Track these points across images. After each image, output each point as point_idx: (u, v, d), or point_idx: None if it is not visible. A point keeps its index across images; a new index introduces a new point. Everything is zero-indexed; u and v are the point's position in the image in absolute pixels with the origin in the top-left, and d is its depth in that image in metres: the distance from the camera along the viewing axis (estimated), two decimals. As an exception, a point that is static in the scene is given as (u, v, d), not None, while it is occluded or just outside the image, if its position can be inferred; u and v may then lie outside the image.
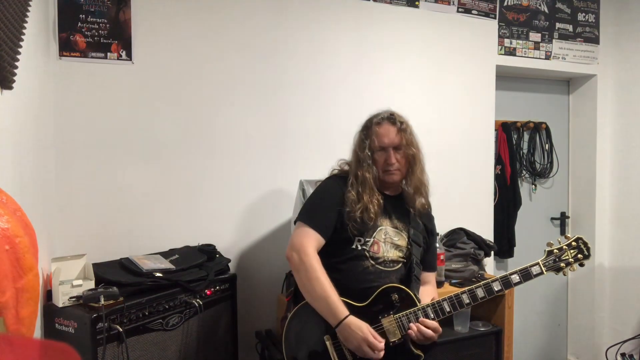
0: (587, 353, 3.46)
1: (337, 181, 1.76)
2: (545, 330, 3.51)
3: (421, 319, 1.56)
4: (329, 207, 1.69)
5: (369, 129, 1.75)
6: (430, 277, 1.85)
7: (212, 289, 1.97)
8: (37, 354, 0.66)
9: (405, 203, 1.78)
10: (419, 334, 1.54)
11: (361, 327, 1.51)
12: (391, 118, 1.73)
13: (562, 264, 1.63)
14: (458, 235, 2.71)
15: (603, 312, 3.43)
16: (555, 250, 1.64)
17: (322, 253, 1.66)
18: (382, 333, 1.55)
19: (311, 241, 1.63)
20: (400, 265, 1.70)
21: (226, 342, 2.08)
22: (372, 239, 1.67)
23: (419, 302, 1.60)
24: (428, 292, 1.78)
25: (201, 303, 1.88)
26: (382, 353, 1.50)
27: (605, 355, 3.22)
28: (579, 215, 3.51)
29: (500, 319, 2.48)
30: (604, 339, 3.38)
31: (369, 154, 1.71)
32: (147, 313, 1.72)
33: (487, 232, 2.97)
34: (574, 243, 1.66)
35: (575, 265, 1.64)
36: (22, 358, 0.64)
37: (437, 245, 2.48)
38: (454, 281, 2.48)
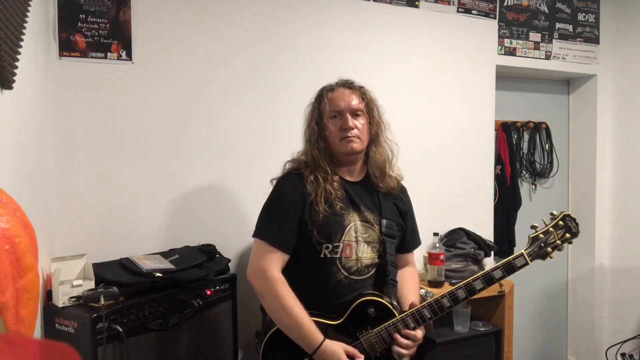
0: (587, 353, 3.46)
1: (293, 181, 1.57)
2: (545, 330, 3.51)
3: (395, 335, 1.48)
4: (287, 216, 1.52)
5: (321, 98, 1.58)
6: (408, 258, 1.75)
7: (212, 289, 1.97)
8: (37, 354, 0.66)
9: (373, 184, 1.63)
10: (398, 348, 1.48)
11: (338, 353, 1.43)
12: (346, 83, 1.58)
13: (549, 249, 1.49)
14: (458, 235, 2.71)
15: (603, 312, 3.43)
16: (540, 235, 1.50)
17: (289, 267, 1.54)
18: (363, 350, 1.49)
19: (273, 262, 1.49)
20: (374, 270, 1.58)
21: (226, 342, 2.08)
22: (341, 243, 1.52)
23: (397, 312, 1.52)
24: (408, 276, 1.70)
25: (201, 303, 1.87)
26: None
27: (605, 355, 3.22)
28: (579, 215, 3.46)
29: (500, 319, 2.48)
30: (604, 339, 3.38)
31: (315, 128, 1.55)
32: (147, 313, 1.72)
33: (487, 232, 2.97)
34: (560, 222, 1.50)
35: (563, 246, 1.51)
36: (22, 358, 0.64)
37: (437, 245, 2.49)
38: (454, 281, 2.48)
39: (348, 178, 1.63)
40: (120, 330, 1.60)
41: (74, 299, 1.64)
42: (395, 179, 1.69)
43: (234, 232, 2.37)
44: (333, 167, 1.59)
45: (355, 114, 1.56)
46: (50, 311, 1.64)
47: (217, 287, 2.00)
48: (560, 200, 3.55)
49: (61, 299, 1.63)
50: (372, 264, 1.58)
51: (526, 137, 3.40)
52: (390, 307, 1.53)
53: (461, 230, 2.76)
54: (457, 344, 2.33)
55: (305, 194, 1.54)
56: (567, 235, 1.50)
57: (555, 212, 1.53)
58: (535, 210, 3.43)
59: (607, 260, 3.41)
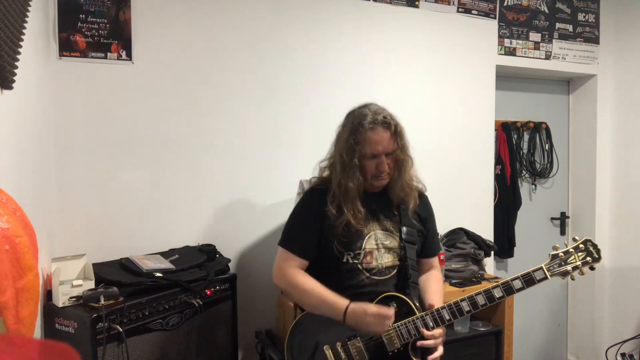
0: (587, 353, 3.46)
1: (316, 197, 1.68)
2: (545, 330, 3.51)
3: (422, 330, 1.53)
4: (308, 228, 1.65)
5: (359, 132, 1.62)
6: (433, 262, 1.82)
7: (212, 289, 1.97)
8: (37, 354, 0.66)
9: (394, 198, 1.70)
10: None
11: (363, 306, 1.50)
12: (385, 122, 1.62)
13: (569, 268, 1.55)
14: (458, 235, 2.71)
15: (603, 312, 3.43)
16: (560, 254, 1.56)
17: (315, 268, 1.65)
18: (381, 343, 1.53)
19: (291, 264, 1.63)
20: (395, 270, 1.65)
21: (226, 342, 2.08)
22: (362, 251, 1.61)
23: (418, 310, 1.57)
24: (432, 279, 1.75)
25: (201, 303, 1.87)
26: (392, 319, 1.49)
27: (605, 355, 3.22)
28: (579, 215, 3.51)
29: (500, 319, 2.48)
30: (604, 339, 3.38)
31: (357, 162, 1.60)
32: (147, 313, 1.72)
33: (487, 232, 2.97)
34: (581, 246, 1.57)
35: (585, 269, 1.56)
36: (22, 358, 0.64)
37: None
38: (453, 281, 2.48)
39: (370, 191, 1.70)
40: (120, 330, 1.60)
41: (74, 299, 1.64)
42: (417, 204, 1.73)
43: (234, 232, 2.37)
44: (361, 190, 1.66)
45: (388, 153, 1.64)
46: (50, 311, 1.64)
47: (217, 287, 2.00)
48: (560, 200, 3.55)
49: (61, 299, 1.63)
50: (393, 266, 1.65)
51: (526, 137, 3.40)
52: (412, 304, 1.58)
53: (461, 230, 2.75)
54: (457, 344, 2.33)
55: (325, 214, 1.62)
56: (589, 259, 1.56)
57: (577, 237, 1.60)
58: (535, 210, 3.43)
59: (607, 260, 3.41)
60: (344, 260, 1.61)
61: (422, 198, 1.79)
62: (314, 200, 1.67)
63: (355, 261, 1.61)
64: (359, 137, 1.61)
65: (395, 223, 1.68)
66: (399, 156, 1.65)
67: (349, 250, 1.61)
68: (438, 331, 1.55)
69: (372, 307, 1.49)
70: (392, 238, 1.66)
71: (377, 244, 1.63)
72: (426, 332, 1.53)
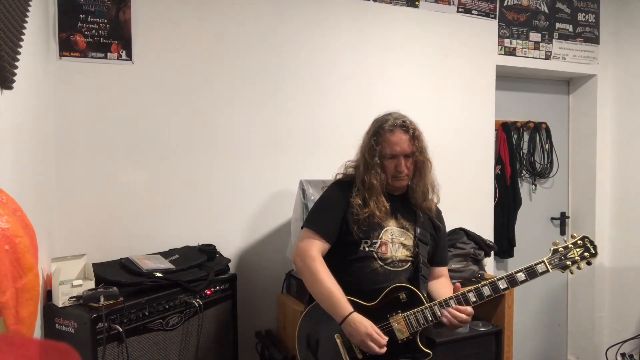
0: (587, 353, 3.46)
1: (342, 188, 1.79)
2: (545, 330, 3.51)
3: (455, 306, 1.58)
4: (332, 213, 1.73)
5: (379, 134, 1.74)
6: (443, 271, 1.89)
7: (212, 289, 1.97)
8: (37, 354, 0.66)
9: (411, 204, 1.79)
10: (453, 319, 1.56)
11: (364, 322, 1.54)
12: (404, 125, 1.73)
13: (568, 262, 1.63)
14: (458, 235, 2.71)
15: (603, 312, 3.43)
16: (560, 249, 1.64)
17: (331, 255, 1.70)
18: (391, 331, 1.58)
19: (314, 245, 1.68)
20: (408, 264, 1.72)
21: (226, 342, 2.08)
22: (379, 241, 1.70)
23: (426, 301, 1.63)
24: (443, 284, 1.82)
25: (201, 303, 1.88)
26: (384, 349, 1.52)
27: (605, 355, 3.22)
28: (579, 215, 3.51)
29: (500, 319, 2.48)
30: (604, 339, 3.38)
31: (378, 161, 1.71)
32: (147, 313, 1.72)
33: (487, 232, 2.97)
34: (579, 242, 1.66)
35: (583, 264, 1.64)
36: (22, 358, 0.64)
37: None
38: (453, 281, 2.48)
39: (392, 192, 1.80)
40: (120, 330, 1.60)
41: (74, 299, 1.64)
42: (433, 208, 1.83)
43: (234, 232, 2.37)
44: (384, 188, 1.76)
45: (407, 155, 1.74)
46: (50, 311, 1.64)
47: (217, 287, 2.00)
48: (560, 200, 3.55)
49: (61, 299, 1.63)
50: (406, 260, 1.73)
51: (526, 137, 3.40)
52: (421, 295, 1.64)
53: (461, 230, 2.75)
54: (457, 344, 2.33)
55: (350, 203, 1.72)
56: (586, 254, 1.65)
57: (575, 234, 1.69)
58: (535, 210, 3.43)
59: (607, 260, 3.41)
60: (361, 247, 1.69)
61: (437, 210, 1.89)
62: (340, 190, 1.78)
63: (371, 249, 1.69)
64: (380, 139, 1.74)
65: (411, 223, 1.77)
66: (418, 158, 1.75)
67: (367, 238, 1.69)
68: (468, 309, 1.60)
69: (370, 327, 1.53)
70: (407, 236, 1.75)
71: (392, 239, 1.72)
72: (461, 307, 1.58)
